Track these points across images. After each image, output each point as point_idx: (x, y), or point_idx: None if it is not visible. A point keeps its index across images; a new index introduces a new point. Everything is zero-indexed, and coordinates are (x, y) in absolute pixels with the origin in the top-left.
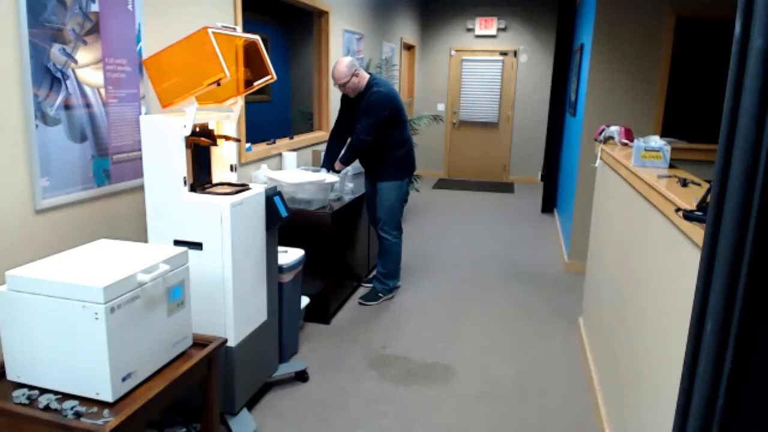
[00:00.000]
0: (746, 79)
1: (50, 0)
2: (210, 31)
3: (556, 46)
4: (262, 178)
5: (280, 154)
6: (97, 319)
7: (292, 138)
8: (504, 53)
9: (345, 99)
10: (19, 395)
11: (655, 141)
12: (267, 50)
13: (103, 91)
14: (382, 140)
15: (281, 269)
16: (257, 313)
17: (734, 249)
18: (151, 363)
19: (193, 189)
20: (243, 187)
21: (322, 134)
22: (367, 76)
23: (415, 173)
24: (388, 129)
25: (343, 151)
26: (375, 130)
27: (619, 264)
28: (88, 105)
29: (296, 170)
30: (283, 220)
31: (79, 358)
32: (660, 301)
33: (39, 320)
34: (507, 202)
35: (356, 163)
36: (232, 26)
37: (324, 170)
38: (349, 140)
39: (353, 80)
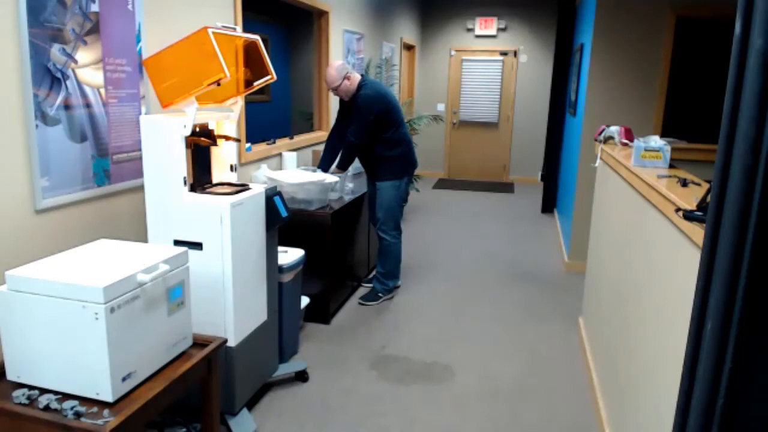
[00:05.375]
0: (746, 79)
1: (50, 0)
2: (210, 31)
3: (556, 46)
4: (262, 178)
5: (280, 154)
6: (97, 319)
7: (292, 138)
8: (504, 53)
9: (342, 102)
10: (19, 395)
11: (655, 141)
12: (267, 50)
13: (103, 91)
14: (376, 141)
15: (281, 269)
16: (257, 313)
17: (734, 249)
18: (151, 363)
19: (193, 189)
20: (243, 187)
21: (322, 134)
22: (358, 78)
23: (415, 173)
24: (379, 130)
25: (339, 156)
26: (363, 132)
27: (619, 264)
28: (88, 105)
29: (296, 170)
30: (283, 220)
31: (79, 358)
32: (660, 301)
33: (39, 320)
34: (507, 202)
35: (356, 163)
36: (232, 26)
37: (319, 171)
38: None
39: (345, 83)
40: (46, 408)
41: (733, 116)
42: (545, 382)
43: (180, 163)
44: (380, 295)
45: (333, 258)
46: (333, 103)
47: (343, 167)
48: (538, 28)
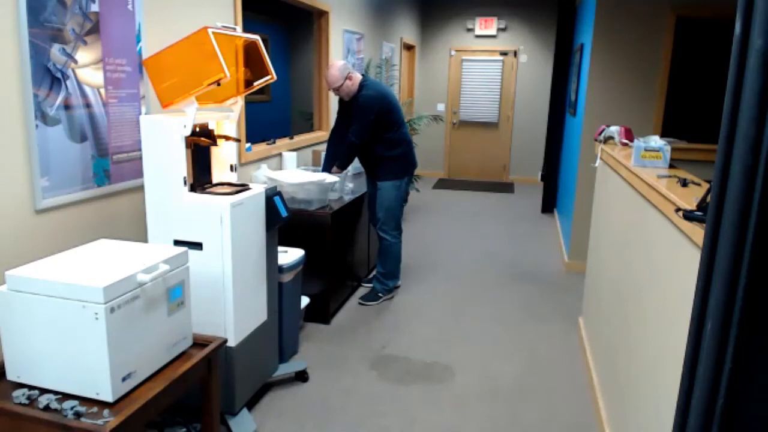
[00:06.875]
0: (746, 79)
1: (50, 0)
2: (210, 31)
3: (556, 46)
4: (262, 178)
5: (280, 154)
6: (97, 319)
7: (292, 138)
8: (504, 53)
9: (342, 101)
10: (19, 395)
11: (655, 141)
12: (267, 50)
13: (103, 91)
14: (377, 141)
15: (281, 269)
16: (257, 313)
17: (734, 249)
18: (151, 363)
19: (193, 189)
20: (243, 187)
21: (322, 134)
22: (359, 78)
23: (415, 173)
24: (380, 130)
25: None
26: (363, 132)
27: (619, 264)
28: (88, 105)
29: (296, 170)
30: (283, 220)
31: (79, 358)
32: (660, 301)
33: (39, 320)
34: (507, 202)
35: (356, 163)
36: (232, 26)
37: (324, 173)
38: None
39: (347, 83)
40: (46, 408)
41: (733, 116)
42: (545, 382)
43: (180, 163)
44: (380, 295)
45: (333, 258)
46: (333, 103)
47: (342, 167)
48: (538, 28)
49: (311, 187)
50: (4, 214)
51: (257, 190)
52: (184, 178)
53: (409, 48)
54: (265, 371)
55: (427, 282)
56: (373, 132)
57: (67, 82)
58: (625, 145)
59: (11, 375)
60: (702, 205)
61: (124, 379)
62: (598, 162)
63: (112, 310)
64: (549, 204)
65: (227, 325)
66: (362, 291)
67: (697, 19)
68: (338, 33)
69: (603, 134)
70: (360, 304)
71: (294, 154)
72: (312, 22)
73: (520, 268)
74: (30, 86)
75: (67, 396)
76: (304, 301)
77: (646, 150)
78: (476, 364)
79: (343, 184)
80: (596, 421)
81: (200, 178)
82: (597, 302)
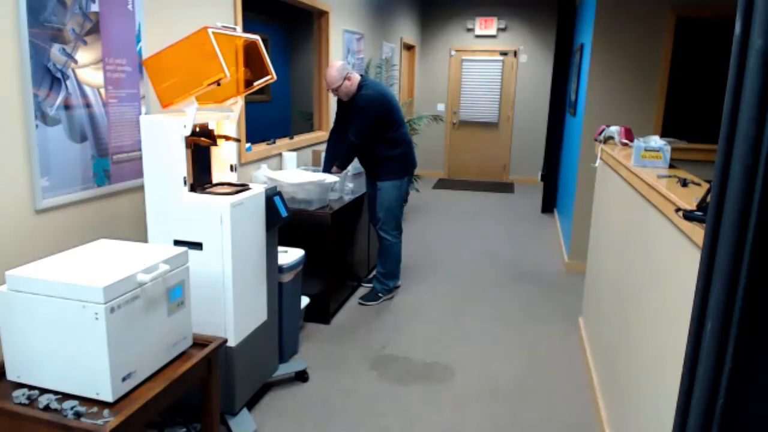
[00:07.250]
0: (746, 79)
1: (50, 0)
2: (210, 31)
3: (556, 46)
4: (262, 178)
5: (280, 154)
6: (97, 319)
7: (292, 138)
8: (504, 53)
9: (340, 101)
10: (19, 395)
11: (655, 141)
12: (267, 50)
13: (103, 91)
14: (377, 141)
15: (281, 269)
16: (257, 313)
17: (734, 249)
18: (151, 363)
19: (193, 189)
20: (243, 187)
21: (322, 134)
22: (358, 78)
23: (415, 173)
24: (380, 129)
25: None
26: (363, 132)
27: (619, 264)
28: (88, 105)
29: (296, 170)
30: (283, 220)
31: (79, 358)
32: (660, 301)
33: (39, 320)
34: (507, 202)
35: (356, 163)
36: (232, 26)
37: (324, 173)
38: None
39: (345, 84)
40: (46, 408)
41: (733, 116)
42: (545, 382)
43: (180, 163)
44: (380, 295)
45: (333, 258)
46: (333, 103)
47: (342, 167)
48: (538, 28)
49: (311, 187)
50: (4, 214)
51: (257, 190)
52: (184, 178)
53: (409, 48)
54: (265, 371)
55: (427, 282)
56: (372, 132)
57: (67, 82)
58: (625, 145)
59: (11, 375)
60: (702, 205)
61: (124, 379)
62: (598, 162)
63: (112, 310)
64: (549, 204)
65: (227, 325)
66: (362, 291)
67: (697, 19)
68: (338, 33)
69: (603, 134)
70: (360, 304)
71: (294, 154)
72: (312, 22)
73: (520, 268)
74: (30, 86)
75: (67, 396)
76: (304, 301)
77: (646, 150)
78: (476, 364)
79: (343, 184)
80: (596, 421)
81: (200, 178)
82: (597, 302)
